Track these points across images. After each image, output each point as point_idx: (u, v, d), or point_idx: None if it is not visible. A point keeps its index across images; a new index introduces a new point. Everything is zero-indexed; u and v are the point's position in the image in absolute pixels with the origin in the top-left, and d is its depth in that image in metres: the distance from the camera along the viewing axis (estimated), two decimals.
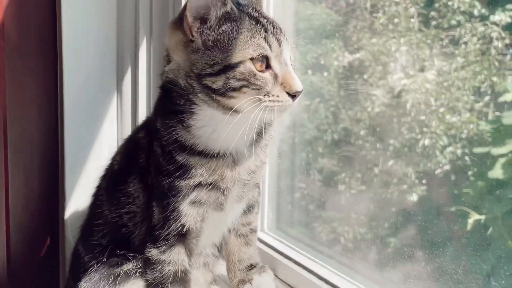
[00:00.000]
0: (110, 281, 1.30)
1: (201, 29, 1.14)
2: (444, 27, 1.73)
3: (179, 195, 1.22)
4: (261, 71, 1.12)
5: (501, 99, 1.56)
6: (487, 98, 1.67)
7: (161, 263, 1.26)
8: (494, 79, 1.60)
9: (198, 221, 1.26)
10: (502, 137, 1.54)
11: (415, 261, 1.56)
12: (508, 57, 1.58)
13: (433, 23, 1.76)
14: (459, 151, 1.70)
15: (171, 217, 1.23)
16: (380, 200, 1.83)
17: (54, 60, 1.72)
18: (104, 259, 1.33)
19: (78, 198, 1.73)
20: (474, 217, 1.52)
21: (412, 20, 1.84)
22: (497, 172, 1.53)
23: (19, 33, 1.68)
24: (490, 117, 1.64)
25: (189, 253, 1.30)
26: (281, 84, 1.13)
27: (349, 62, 2.03)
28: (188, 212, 1.24)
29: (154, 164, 1.26)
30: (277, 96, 1.12)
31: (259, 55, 1.12)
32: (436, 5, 1.75)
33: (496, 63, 1.59)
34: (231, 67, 1.11)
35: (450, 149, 1.72)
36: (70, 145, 1.71)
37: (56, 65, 1.72)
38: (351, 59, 2.03)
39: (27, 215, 1.73)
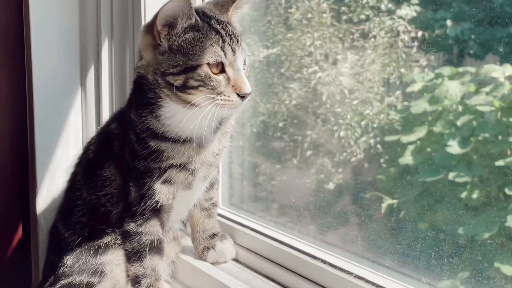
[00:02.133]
0: (91, 253, 1.44)
1: (168, 36, 1.29)
2: (354, 21, 1.80)
3: (153, 175, 1.38)
4: (216, 74, 1.29)
5: (409, 89, 1.65)
6: (396, 89, 1.76)
7: (138, 234, 1.42)
8: (402, 70, 1.69)
9: (170, 198, 1.42)
10: (410, 125, 1.63)
11: (335, 246, 1.62)
12: (414, 49, 1.67)
13: (344, 17, 1.83)
14: (371, 141, 1.77)
15: (147, 194, 1.39)
16: (299, 190, 1.87)
17: (22, 58, 1.85)
18: (85, 234, 1.47)
19: (49, 184, 1.87)
20: (387, 201, 1.60)
21: (325, 15, 1.89)
22: (407, 159, 1.61)
23: None
24: (399, 107, 1.73)
25: (162, 225, 1.46)
26: (233, 86, 1.30)
27: (265, 56, 2.07)
28: (161, 190, 1.40)
29: (129, 151, 1.42)
30: (228, 96, 1.29)
31: (215, 61, 1.28)
32: (346, 0, 1.82)
33: (403, 55, 1.68)
34: (190, 69, 1.28)
35: (363, 138, 1.79)
36: (39, 136, 1.85)
37: (24, 63, 1.85)
38: (266, 53, 2.06)
39: (0, 203, 1.86)
